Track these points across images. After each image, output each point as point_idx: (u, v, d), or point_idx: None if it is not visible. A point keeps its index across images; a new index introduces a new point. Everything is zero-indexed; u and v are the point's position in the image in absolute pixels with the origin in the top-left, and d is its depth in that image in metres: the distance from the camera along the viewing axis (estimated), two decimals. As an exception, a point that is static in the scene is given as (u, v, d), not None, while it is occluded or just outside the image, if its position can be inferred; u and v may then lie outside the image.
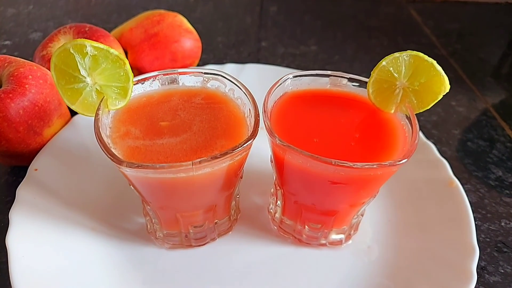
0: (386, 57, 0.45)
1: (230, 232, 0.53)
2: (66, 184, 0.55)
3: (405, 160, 0.40)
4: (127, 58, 0.73)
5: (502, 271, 0.52)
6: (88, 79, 0.42)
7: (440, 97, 0.46)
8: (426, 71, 0.45)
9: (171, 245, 0.51)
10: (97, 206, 0.55)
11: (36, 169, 0.55)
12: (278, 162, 0.46)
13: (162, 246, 0.51)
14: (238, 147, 0.39)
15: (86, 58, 0.41)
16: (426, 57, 0.44)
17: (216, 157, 0.38)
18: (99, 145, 0.39)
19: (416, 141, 0.42)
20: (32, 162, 0.56)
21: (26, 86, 0.54)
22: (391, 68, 0.45)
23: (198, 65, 0.80)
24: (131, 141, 0.43)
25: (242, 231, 0.54)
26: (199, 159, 0.37)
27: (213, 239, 0.52)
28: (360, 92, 0.51)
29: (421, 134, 0.62)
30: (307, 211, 0.48)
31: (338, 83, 0.52)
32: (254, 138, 0.41)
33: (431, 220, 0.53)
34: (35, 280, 0.44)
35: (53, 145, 0.58)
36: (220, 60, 0.91)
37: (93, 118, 0.42)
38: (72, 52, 0.41)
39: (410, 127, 0.45)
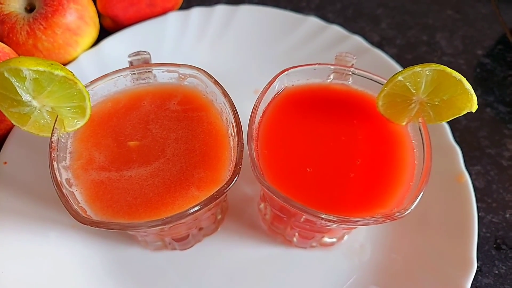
0: (402, 70, 0.36)
1: (218, 229, 0.51)
2: (40, 176, 0.50)
3: (409, 210, 0.34)
4: (95, 4, 0.62)
5: (496, 272, 0.51)
6: (34, 102, 0.35)
7: (464, 113, 0.39)
8: (451, 88, 0.36)
9: (155, 247, 0.49)
10: (76, 200, 0.51)
11: (5, 162, 0.50)
12: (266, 194, 0.40)
13: (145, 248, 0.49)
14: (215, 198, 0.34)
15: (26, 82, 0.33)
16: (454, 72, 0.35)
17: (189, 213, 0.33)
18: (57, 194, 0.34)
19: (424, 181, 0.36)
20: (0, 153, 0.51)
21: (-27, 73, 0.45)
22: (408, 83, 0.36)
23: (181, 8, 0.68)
24: (94, 173, 0.37)
25: (230, 228, 0.51)
26: (170, 216, 0.32)
27: (199, 241, 0.50)
28: (368, 88, 0.43)
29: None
30: (298, 227, 0.45)
31: (342, 76, 0.43)
32: (236, 179, 0.35)
33: (430, 222, 0.50)
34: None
35: (19, 130, 0.52)
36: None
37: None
38: (8, 76, 0.32)
39: (422, 148, 0.39)
